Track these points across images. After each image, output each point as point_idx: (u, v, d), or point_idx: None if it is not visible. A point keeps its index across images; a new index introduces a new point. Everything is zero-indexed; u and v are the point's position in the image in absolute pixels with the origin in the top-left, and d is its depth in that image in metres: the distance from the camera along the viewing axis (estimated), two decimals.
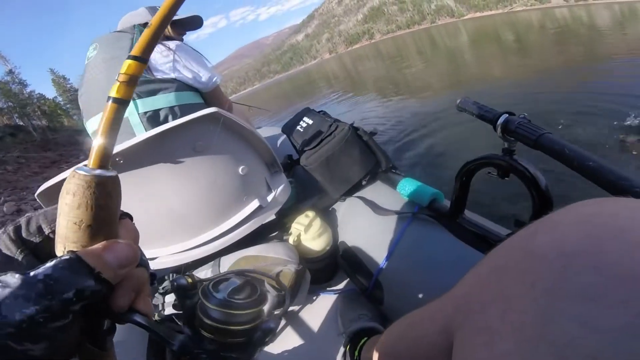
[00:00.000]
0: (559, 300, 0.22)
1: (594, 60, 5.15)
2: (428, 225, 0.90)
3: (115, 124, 0.26)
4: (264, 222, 1.02)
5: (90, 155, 0.25)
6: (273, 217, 1.15)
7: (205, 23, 1.45)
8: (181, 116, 0.98)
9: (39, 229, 0.29)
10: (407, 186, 1.03)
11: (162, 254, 0.99)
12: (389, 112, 5.19)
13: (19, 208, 14.01)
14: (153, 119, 1.03)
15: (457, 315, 0.32)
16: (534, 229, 0.27)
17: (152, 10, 1.28)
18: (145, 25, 1.16)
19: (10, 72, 41.98)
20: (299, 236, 1.07)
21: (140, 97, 1.02)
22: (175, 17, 1.26)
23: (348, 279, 1.09)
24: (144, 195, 0.87)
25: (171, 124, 0.79)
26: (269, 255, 0.97)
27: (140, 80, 0.97)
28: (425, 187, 0.99)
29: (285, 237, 1.15)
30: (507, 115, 0.63)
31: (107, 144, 0.25)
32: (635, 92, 3.08)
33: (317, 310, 1.06)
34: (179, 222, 0.94)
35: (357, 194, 1.23)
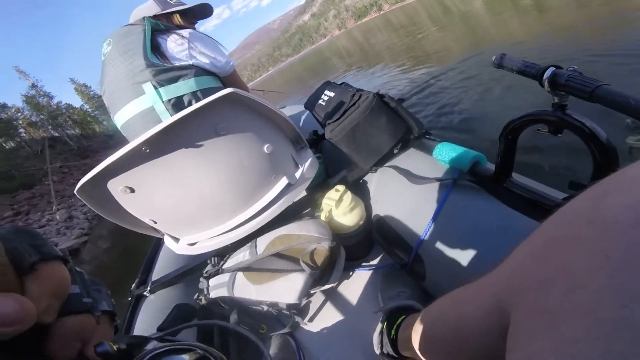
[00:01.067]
0: None
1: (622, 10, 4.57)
2: (471, 192, 0.82)
3: None
4: (294, 200, 0.99)
5: None
6: (304, 193, 1.14)
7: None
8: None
9: None
10: (445, 151, 0.95)
11: (200, 239, 0.99)
12: (413, 78, 4.93)
13: (70, 215, 14.97)
14: (177, 105, 1.05)
15: (511, 294, 0.28)
16: (602, 190, 0.23)
17: (162, 1, 1.30)
18: (154, 17, 1.22)
19: (34, 85, 43.73)
20: (330, 212, 1.03)
21: (162, 85, 1.03)
22: (184, 7, 1.33)
23: (385, 253, 1.05)
24: (174, 183, 0.86)
25: (189, 109, 0.76)
26: (302, 234, 0.96)
27: (158, 70, 1.06)
28: (465, 151, 0.90)
29: (317, 214, 1.13)
30: (555, 68, 0.56)
31: None
32: None
33: (354, 287, 1.03)
34: (211, 206, 0.93)
35: (390, 163, 1.16)
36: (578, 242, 0.22)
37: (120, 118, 1.11)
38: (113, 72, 1.09)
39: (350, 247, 1.05)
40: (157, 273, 1.26)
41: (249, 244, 1.04)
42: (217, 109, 0.79)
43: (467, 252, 0.73)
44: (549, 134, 0.61)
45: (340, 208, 1.01)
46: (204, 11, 1.43)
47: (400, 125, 1.16)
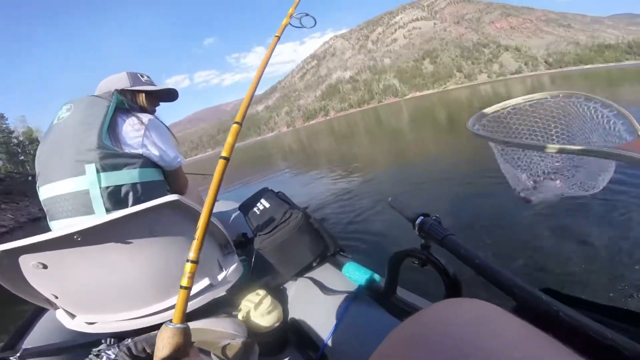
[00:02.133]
0: None
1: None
2: (367, 304, 1.03)
3: None
4: (212, 299, 1.06)
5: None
6: (223, 293, 1.19)
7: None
8: (142, 194, 1.03)
9: (144, 350, 0.37)
10: (351, 269, 1.19)
11: (100, 320, 1.00)
12: (338, 190, 5.56)
13: None
14: (113, 194, 1.00)
15: None
16: (411, 319, 0.32)
17: (133, 76, 1.29)
18: (122, 92, 1.20)
19: None
20: (248, 312, 1.11)
21: (105, 170, 0.99)
22: (152, 88, 1.32)
23: (297, 352, 1.14)
24: (94, 268, 0.89)
25: (133, 209, 0.81)
26: (217, 329, 0.99)
27: (107, 153, 1.01)
28: (366, 271, 1.14)
29: (234, 313, 1.18)
30: (423, 217, 0.78)
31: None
32: None
33: None
34: (127, 293, 0.96)
35: (308, 274, 1.34)
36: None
37: (49, 191, 1.03)
38: (60, 139, 1.04)
39: (266, 345, 1.11)
40: (33, 341, 1.16)
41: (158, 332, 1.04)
42: (157, 211, 0.85)
43: (361, 354, 0.88)
44: (419, 266, 0.83)
45: (258, 310, 1.11)
46: (169, 96, 1.44)
47: (320, 244, 1.37)
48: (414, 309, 0.91)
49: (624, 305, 1.70)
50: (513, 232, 2.71)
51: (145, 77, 1.34)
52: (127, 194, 1.02)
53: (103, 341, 1.06)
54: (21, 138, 54.10)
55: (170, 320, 0.67)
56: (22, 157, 52.79)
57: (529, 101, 1.19)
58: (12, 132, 53.66)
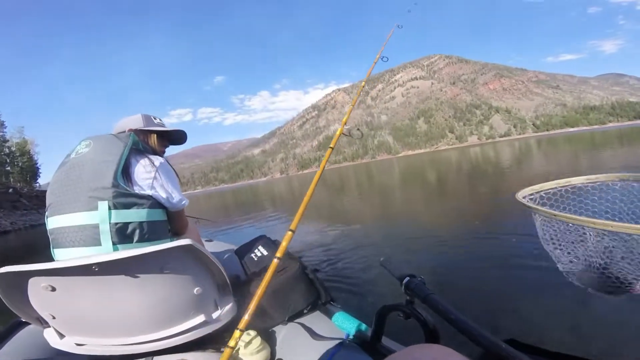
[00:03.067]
0: None
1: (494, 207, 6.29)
2: (354, 352, 1.08)
3: None
4: (204, 334, 1.11)
5: None
6: (215, 329, 1.23)
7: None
8: (147, 232, 1.10)
9: None
10: (340, 318, 1.27)
11: (90, 343, 1.04)
12: (330, 241, 5.61)
13: None
14: (121, 230, 1.06)
15: None
16: None
17: (147, 118, 1.39)
18: (135, 131, 1.30)
19: None
20: (237, 350, 1.16)
21: (116, 208, 1.05)
22: (164, 129, 1.46)
23: None
24: (102, 296, 0.96)
25: (151, 248, 0.90)
26: None
27: (120, 192, 1.13)
28: (354, 321, 1.22)
29: (223, 349, 1.21)
30: (409, 277, 0.90)
31: None
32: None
33: None
34: (123, 321, 1.02)
35: (299, 320, 1.39)
36: None
37: (58, 221, 1.08)
38: (76, 174, 1.09)
39: None
40: (5, 355, 1.19)
41: (145, 359, 1.07)
42: (171, 251, 0.95)
43: None
44: (403, 319, 0.92)
45: (248, 349, 1.16)
46: (179, 138, 1.53)
47: (313, 292, 1.45)
48: None
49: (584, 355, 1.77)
50: (492, 291, 2.78)
51: (158, 120, 1.44)
52: (133, 231, 1.08)
53: None
54: (13, 149, 53.42)
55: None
56: (9, 168, 51.67)
57: (591, 182, 1.09)
58: (7, 141, 53.11)
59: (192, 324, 1.08)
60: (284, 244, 1.06)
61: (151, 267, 0.95)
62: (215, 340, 1.27)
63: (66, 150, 1.24)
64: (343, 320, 1.26)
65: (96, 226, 1.04)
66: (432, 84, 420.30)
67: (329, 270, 4.05)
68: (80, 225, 1.04)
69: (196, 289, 1.04)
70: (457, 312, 0.73)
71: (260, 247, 1.65)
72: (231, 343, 1.17)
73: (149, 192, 1.14)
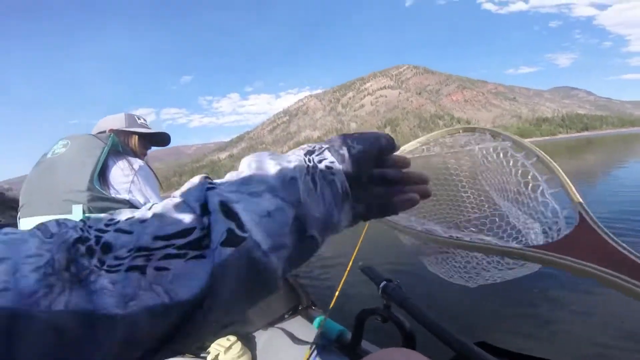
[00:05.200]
0: None
1: None
2: (334, 356, 1.12)
3: None
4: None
5: None
6: None
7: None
8: None
9: None
10: (321, 323, 1.25)
11: None
12: None
13: None
14: None
15: None
16: None
17: (130, 118, 1.32)
18: (117, 132, 1.23)
19: None
20: (217, 356, 1.17)
21: (91, 211, 1.01)
22: (147, 131, 1.37)
23: None
24: None
25: None
26: None
27: (96, 196, 1.08)
28: (335, 325, 1.24)
29: (203, 355, 1.22)
30: (386, 282, 0.94)
31: None
32: None
33: None
34: None
35: (279, 324, 1.41)
36: None
37: (31, 223, 0.99)
38: (51, 175, 1.05)
39: None
40: None
41: None
42: None
43: None
44: (381, 322, 0.94)
45: (228, 354, 1.17)
46: (162, 140, 1.45)
47: (294, 297, 1.47)
48: None
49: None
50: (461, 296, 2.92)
51: (142, 121, 1.37)
52: None
53: None
54: None
55: None
56: None
57: (422, 144, 0.83)
58: None
59: None
60: None
61: None
62: (195, 346, 1.28)
63: None
64: (324, 324, 1.26)
65: None
66: (400, 93, 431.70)
67: (310, 275, 4.10)
68: None
69: None
70: (431, 316, 0.77)
71: None
72: (211, 348, 1.20)
73: (126, 196, 1.10)
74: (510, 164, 0.66)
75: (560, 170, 0.59)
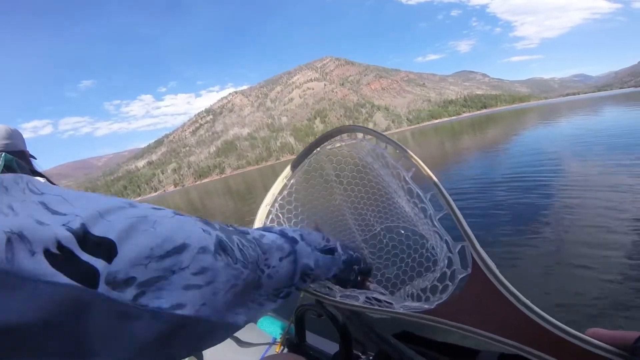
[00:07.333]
0: None
1: None
2: (281, 355, 1.14)
3: None
4: None
5: None
6: None
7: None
8: None
9: None
10: (265, 323, 1.33)
11: None
12: None
13: None
14: None
15: None
16: None
17: (15, 132, 1.10)
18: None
19: None
20: None
21: None
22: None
23: None
24: None
25: None
26: None
27: None
28: (279, 323, 1.30)
29: None
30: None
31: None
32: None
33: None
34: None
35: None
36: None
37: None
38: None
39: None
40: None
41: None
42: None
43: None
44: (316, 317, 0.96)
45: None
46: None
47: None
48: (322, 353, 1.09)
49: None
50: None
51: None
52: None
53: None
54: None
55: None
56: None
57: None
58: None
59: None
60: None
61: None
62: None
63: None
64: (268, 324, 1.32)
65: None
66: (325, 85, 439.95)
67: None
68: None
69: None
70: (357, 309, 0.76)
71: None
72: None
73: None
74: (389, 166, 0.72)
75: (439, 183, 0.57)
